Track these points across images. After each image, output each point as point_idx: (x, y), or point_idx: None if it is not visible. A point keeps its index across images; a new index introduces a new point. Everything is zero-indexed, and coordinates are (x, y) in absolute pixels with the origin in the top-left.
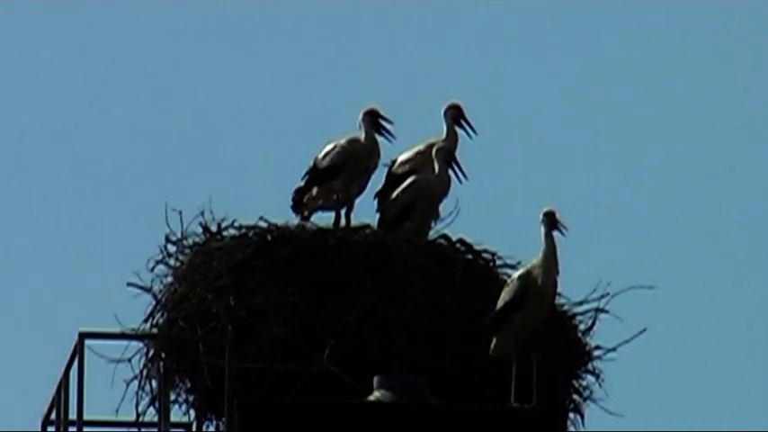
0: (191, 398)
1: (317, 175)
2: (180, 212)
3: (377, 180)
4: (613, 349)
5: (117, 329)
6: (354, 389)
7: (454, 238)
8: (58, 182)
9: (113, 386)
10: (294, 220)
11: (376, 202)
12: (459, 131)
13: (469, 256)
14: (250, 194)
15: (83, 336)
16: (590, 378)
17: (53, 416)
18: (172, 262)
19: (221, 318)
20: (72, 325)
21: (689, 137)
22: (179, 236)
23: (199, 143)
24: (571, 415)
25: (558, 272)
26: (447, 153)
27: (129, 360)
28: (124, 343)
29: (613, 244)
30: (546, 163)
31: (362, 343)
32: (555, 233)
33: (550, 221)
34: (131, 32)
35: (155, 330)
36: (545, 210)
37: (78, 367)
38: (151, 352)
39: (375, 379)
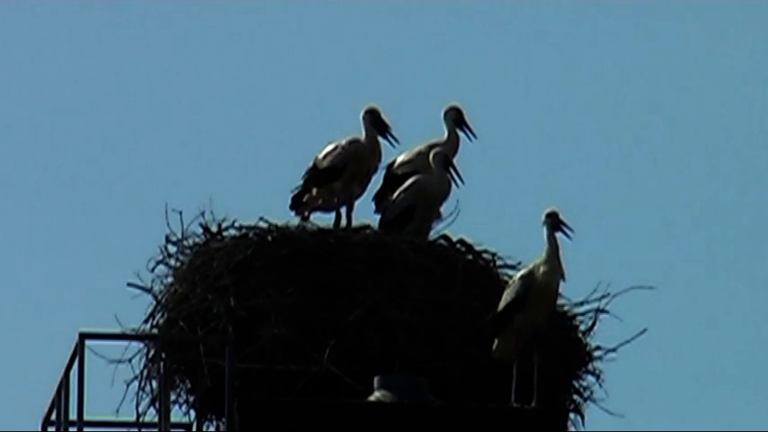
0: (191, 398)
1: (317, 175)
2: (180, 213)
3: (376, 181)
4: (614, 350)
5: (117, 330)
6: (355, 389)
7: (454, 239)
8: (59, 182)
9: (114, 387)
10: (294, 220)
11: (374, 203)
12: (460, 134)
13: (470, 257)
14: (250, 194)
15: (83, 336)
16: (590, 378)
17: (53, 416)
18: (172, 262)
19: (221, 318)
20: (72, 325)
21: (689, 137)
22: (179, 236)
23: (199, 143)
24: (571, 415)
25: (562, 273)
26: (444, 158)
27: (130, 360)
28: (124, 343)
29: (613, 244)
30: (546, 163)
31: (363, 343)
32: (558, 234)
33: (553, 222)
34: (132, 32)
35: (155, 331)
36: (548, 210)
37: (78, 368)
38: (151, 352)
39: (376, 379)
